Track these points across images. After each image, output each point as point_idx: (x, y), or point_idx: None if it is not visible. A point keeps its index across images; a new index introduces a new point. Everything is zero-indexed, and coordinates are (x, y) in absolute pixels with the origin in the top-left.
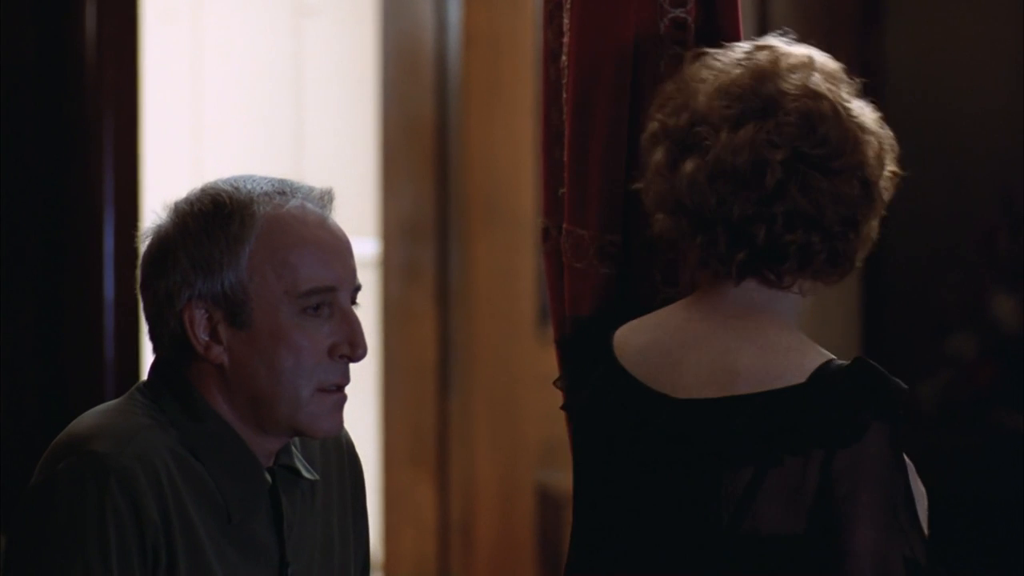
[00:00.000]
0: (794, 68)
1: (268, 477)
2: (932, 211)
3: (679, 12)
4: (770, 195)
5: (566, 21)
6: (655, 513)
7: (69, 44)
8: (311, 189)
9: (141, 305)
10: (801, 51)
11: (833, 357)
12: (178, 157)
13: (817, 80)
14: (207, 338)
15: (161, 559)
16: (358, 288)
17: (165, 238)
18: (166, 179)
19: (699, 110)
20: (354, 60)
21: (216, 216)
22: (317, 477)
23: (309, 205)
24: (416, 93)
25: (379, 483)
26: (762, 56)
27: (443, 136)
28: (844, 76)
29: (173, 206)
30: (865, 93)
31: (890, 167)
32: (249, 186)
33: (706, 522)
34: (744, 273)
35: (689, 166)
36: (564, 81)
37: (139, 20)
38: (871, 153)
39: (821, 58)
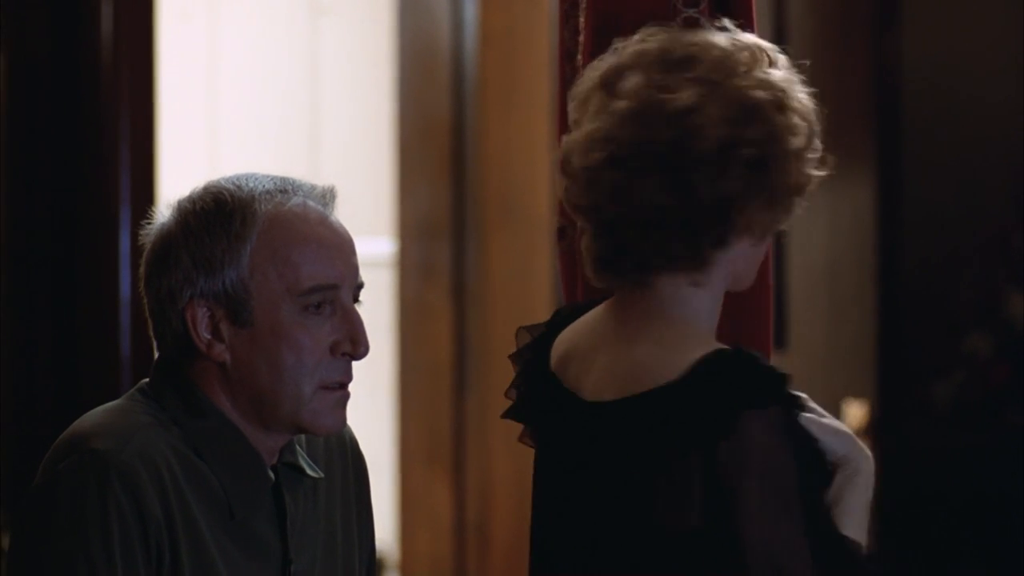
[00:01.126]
0: (630, 66)
1: (271, 474)
2: (947, 211)
3: (692, 12)
4: (594, 202)
5: (581, 20)
6: (578, 515)
7: (85, 43)
8: (313, 187)
9: (145, 303)
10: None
11: (718, 348)
12: (194, 156)
13: (640, 75)
14: (209, 336)
15: (164, 556)
16: (360, 286)
17: (167, 236)
18: (182, 178)
19: None
20: (370, 59)
21: (218, 214)
22: (321, 475)
23: (311, 203)
24: (432, 92)
25: (395, 482)
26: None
27: (459, 135)
28: (705, 62)
29: (176, 204)
30: (881, 93)
31: (752, 145)
32: (251, 184)
33: (619, 523)
34: (609, 278)
35: None
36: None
37: (155, 19)
38: (701, 141)
39: (682, 48)
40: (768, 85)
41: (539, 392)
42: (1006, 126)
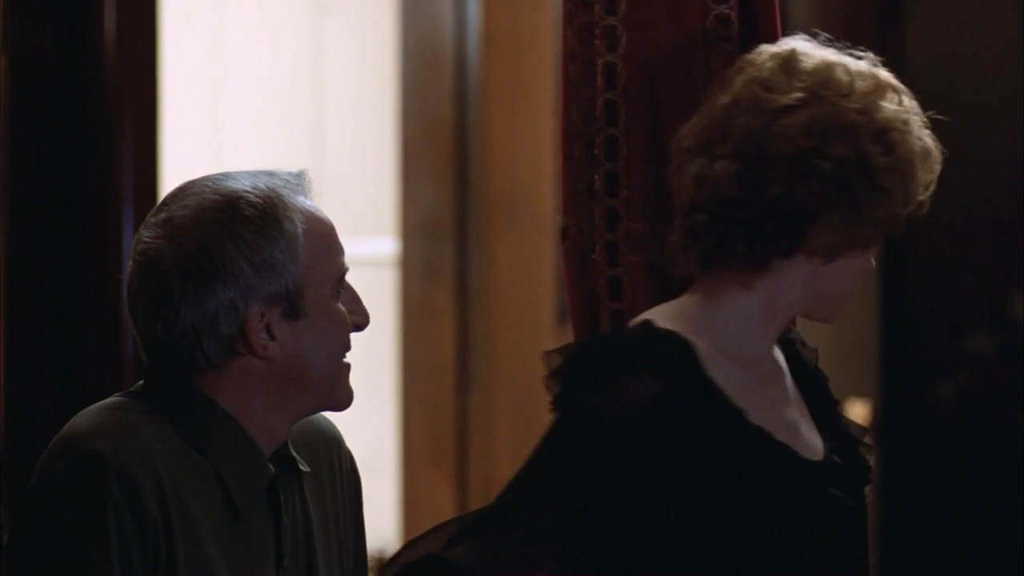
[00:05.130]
0: (740, 68)
1: (271, 467)
2: (951, 210)
3: (723, 8)
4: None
5: (612, 23)
6: None
7: (88, 43)
8: (293, 174)
9: (168, 328)
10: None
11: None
12: (198, 156)
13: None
14: (265, 337)
15: (161, 555)
16: None
17: (208, 252)
18: (186, 177)
19: None
20: (374, 59)
21: (265, 217)
22: (308, 469)
23: (302, 195)
24: (436, 92)
25: (398, 482)
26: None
27: (463, 135)
28: (812, 74)
29: (185, 224)
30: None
31: (842, 149)
32: (261, 184)
33: None
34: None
35: None
36: (618, 83)
37: (158, 19)
38: (781, 141)
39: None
40: (873, 113)
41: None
42: (1011, 124)
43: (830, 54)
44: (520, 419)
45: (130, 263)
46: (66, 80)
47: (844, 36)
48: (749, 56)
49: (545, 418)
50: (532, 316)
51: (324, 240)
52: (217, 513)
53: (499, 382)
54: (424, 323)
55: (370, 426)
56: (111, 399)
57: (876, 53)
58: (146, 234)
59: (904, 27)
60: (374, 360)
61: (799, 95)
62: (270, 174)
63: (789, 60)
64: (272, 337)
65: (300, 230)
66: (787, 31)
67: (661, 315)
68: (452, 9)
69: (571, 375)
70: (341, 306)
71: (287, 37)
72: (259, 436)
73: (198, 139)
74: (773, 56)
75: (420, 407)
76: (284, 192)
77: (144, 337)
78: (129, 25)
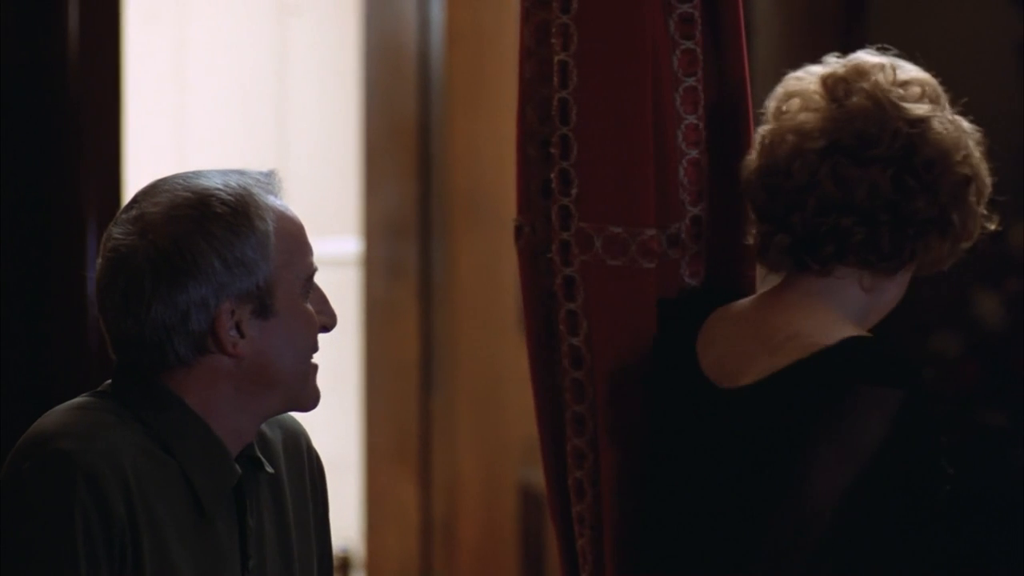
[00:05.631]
0: (860, 74)
1: (238, 469)
2: None
3: (686, 8)
4: (804, 184)
5: (566, 21)
6: (712, 506)
7: (52, 43)
8: (263, 173)
9: (139, 324)
10: (883, 59)
11: (864, 335)
12: (161, 154)
13: (873, 82)
14: (234, 334)
15: (127, 556)
16: None
17: (180, 249)
18: (150, 176)
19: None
20: (337, 58)
21: (236, 215)
22: (272, 470)
23: (272, 195)
24: (399, 91)
25: (361, 481)
26: (834, 65)
27: (426, 134)
28: (926, 88)
29: (142, 218)
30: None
31: (963, 168)
32: (233, 182)
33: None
34: (789, 262)
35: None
36: (570, 82)
37: (122, 19)
38: (927, 148)
39: (906, 73)
40: (967, 129)
41: (676, 383)
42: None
43: (908, 65)
44: (483, 418)
45: (99, 260)
46: (30, 79)
47: (806, 36)
48: (854, 62)
49: (508, 416)
50: (495, 315)
51: (295, 239)
52: (183, 514)
53: (462, 381)
54: (388, 322)
55: (334, 425)
56: (78, 399)
57: (839, 53)
58: (117, 230)
59: (866, 27)
60: (337, 359)
61: (929, 106)
62: (241, 173)
63: (896, 69)
64: (242, 335)
65: (272, 228)
66: (749, 31)
67: (850, 327)
68: (415, 9)
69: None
70: (309, 306)
71: (251, 37)
72: (226, 436)
73: (162, 138)
74: (876, 66)
75: (384, 406)
76: (256, 191)
77: (113, 334)
78: (93, 25)
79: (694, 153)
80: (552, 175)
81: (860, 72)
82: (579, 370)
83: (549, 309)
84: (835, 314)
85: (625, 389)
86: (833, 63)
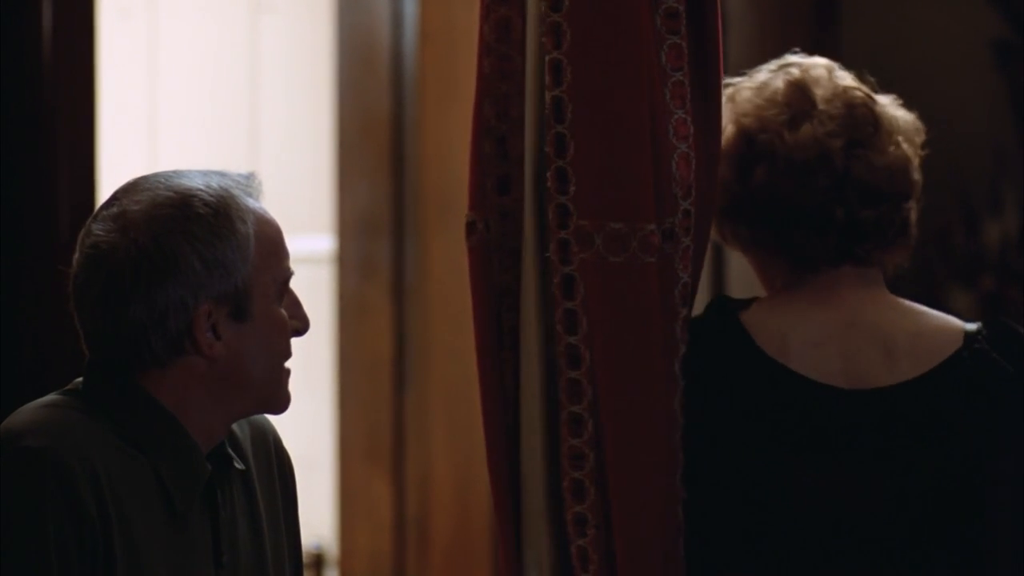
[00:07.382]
0: (822, 73)
1: (209, 466)
2: None
3: (671, 3)
4: (841, 179)
5: (558, 19)
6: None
7: (25, 41)
8: (243, 176)
9: (116, 322)
10: (819, 61)
11: (977, 324)
12: (134, 153)
13: (843, 76)
14: (210, 335)
15: (99, 553)
16: None
17: (161, 248)
18: (122, 175)
19: (753, 125)
20: (310, 56)
21: (218, 216)
22: (243, 467)
23: (252, 198)
24: (372, 89)
25: (334, 479)
26: (792, 70)
27: (399, 132)
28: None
29: (123, 215)
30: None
31: (918, 149)
32: (214, 183)
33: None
34: (839, 257)
35: (760, 171)
36: (564, 80)
37: (95, 16)
38: (902, 133)
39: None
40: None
41: (754, 382)
42: (944, 122)
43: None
44: (456, 416)
45: (77, 256)
46: (2, 76)
47: (779, 34)
48: (823, 62)
49: (480, 413)
50: (468, 313)
51: (273, 243)
52: (155, 511)
53: (435, 379)
54: (360, 320)
55: (307, 422)
56: (49, 396)
57: (810, 51)
58: (97, 227)
59: (838, 25)
60: (310, 357)
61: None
62: (222, 174)
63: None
64: (218, 337)
65: (252, 231)
66: (724, 27)
67: (932, 313)
68: (388, 6)
69: None
70: (283, 311)
71: (223, 34)
72: (197, 435)
73: (134, 135)
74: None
75: (356, 404)
76: (236, 193)
77: (88, 331)
78: (65, 22)
79: (684, 147)
80: (548, 174)
81: (819, 73)
82: (576, 369)
83: (500, 307)
84: (901, 299)
85: (641, 384)
86: (771, 69)
